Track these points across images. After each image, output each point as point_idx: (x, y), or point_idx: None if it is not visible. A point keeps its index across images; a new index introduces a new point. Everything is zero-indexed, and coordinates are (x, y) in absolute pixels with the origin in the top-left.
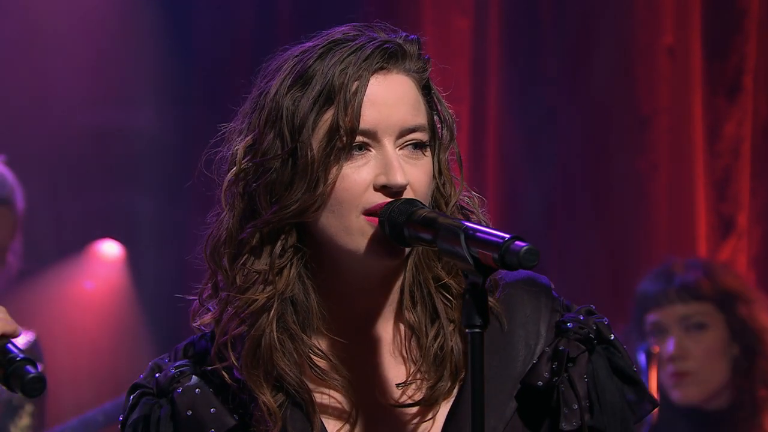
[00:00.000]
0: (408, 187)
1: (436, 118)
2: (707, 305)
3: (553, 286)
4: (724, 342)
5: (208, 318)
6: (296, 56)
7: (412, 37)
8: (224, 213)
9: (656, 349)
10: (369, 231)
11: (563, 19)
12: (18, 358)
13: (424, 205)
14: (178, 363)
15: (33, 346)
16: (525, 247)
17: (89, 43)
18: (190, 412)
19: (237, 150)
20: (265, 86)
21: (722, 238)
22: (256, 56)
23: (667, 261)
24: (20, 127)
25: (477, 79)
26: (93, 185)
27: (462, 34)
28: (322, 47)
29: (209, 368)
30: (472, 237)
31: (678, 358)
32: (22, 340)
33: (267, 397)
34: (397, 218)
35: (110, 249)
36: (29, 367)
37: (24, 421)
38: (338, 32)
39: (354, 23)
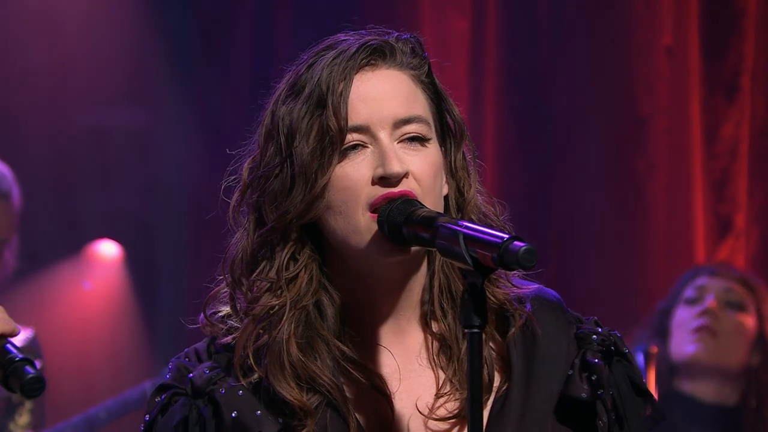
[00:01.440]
0: (410, 176)
1: (447, 117)
2: (752, 297)
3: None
4: (753, 335)
5: (229, 339)
6: (291, 69)
7: (405, 36)
8: (238, 233)
9: (654, 349)
10: (375, 228)
11: (561, 19)
12: (17, 359)
13: (423, 205)
14: (209, 364)
15: (32, 343)
16: (523, 247)
17: (88, 43)
18: (235, 414)
19: (243, 170)
20: (267, 105)
21: (720, 238)
22: (254, 57)
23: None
24: (18, 127)
25: (475, 80)
26: (91, 185)
27: (460, 35)
28: (313, 56)
29: (234, 384)
30: (470, 237)
31: (710, 313)
32: (20, 337)
33: (298, 398)
34: (395, 218)
35: (108, 249)
36: (28, 368)
37: (24, 418)
38: (330, 39)
39: (348, 30)
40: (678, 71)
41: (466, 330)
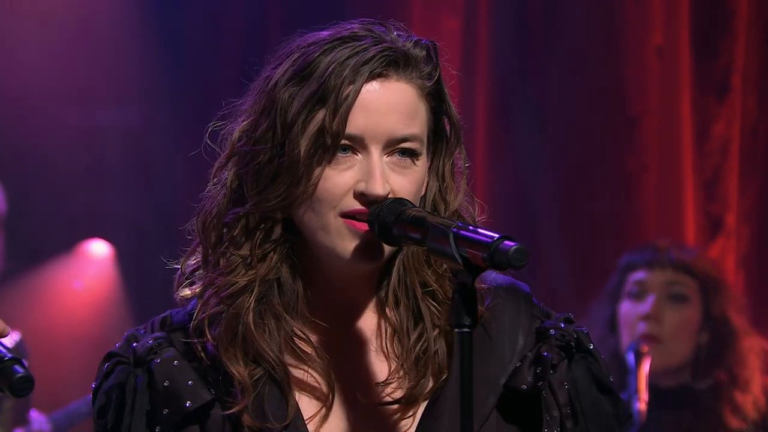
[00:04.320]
0: (391, 194)
1: (445, 122)
2: (694, 282)
3: (531, 292)
4: (698, 323)
5: (188, 292)
6: (303, 47)
7: (425, 41)
8: (216, 190)
9: (645, 348)
10: (345, 232)
11: (552, 19)
12: (6, 358)
13: (414, 204)
14: (156, 335)
15: (18, 346)
16: (514, 247)
17: (81, 43)
18: (167, 383)
19: (234, 131)
20: (271, 71)
21: (711, 237)
22: (246, 56)
23: (653, 241)
24: (9, 126)
25: (466, 79)
26: (82, 184)
27: (452, 34)
28: (328, 43)
29: (185, 341)
30: (461, 236)
31: (653, 318)
32: (7, 340)
33: (241, 372)
34: (386, 217)
35: (99, 248)
36: (17, 367)
37: (4, 415)
38: (347, 29)
39: (369, 20)
40: (669, 71)
41: (456, 330)
